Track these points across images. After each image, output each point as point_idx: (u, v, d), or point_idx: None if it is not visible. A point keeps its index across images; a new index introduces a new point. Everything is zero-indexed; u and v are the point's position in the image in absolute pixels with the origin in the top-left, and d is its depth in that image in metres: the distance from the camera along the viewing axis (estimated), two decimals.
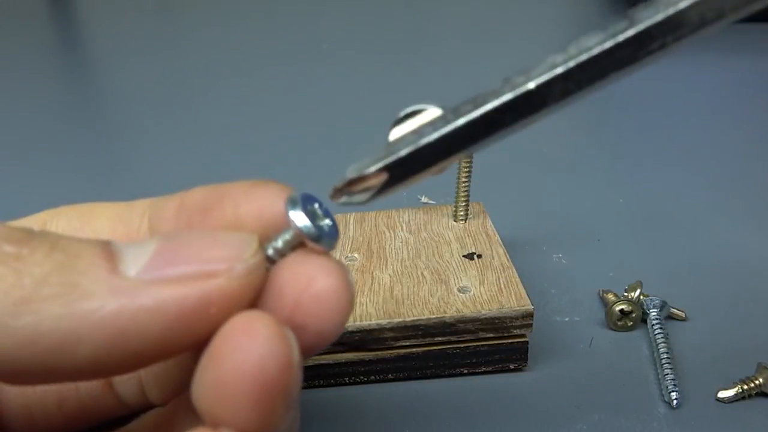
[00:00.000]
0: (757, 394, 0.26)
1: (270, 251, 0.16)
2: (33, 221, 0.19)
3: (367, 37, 0.82)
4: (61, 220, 0.19)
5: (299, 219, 0.15)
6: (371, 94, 0.62)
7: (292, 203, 0.16)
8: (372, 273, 0.29)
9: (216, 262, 0.14)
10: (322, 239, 0.16)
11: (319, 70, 0.69)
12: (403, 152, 0.15)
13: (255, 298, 0.15)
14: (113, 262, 0.14)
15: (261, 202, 0.17)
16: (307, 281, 0.15)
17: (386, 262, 0.30)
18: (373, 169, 0.15)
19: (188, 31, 0.88)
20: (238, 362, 0.14)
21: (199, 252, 0.15)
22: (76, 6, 1.02)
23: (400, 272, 0.29)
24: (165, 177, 0.47)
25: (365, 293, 0.28)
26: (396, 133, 0.16)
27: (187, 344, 0.14)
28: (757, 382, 0.26)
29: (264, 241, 0.16)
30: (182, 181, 0.46)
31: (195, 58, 0.76)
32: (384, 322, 0.26)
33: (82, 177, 0.48)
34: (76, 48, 0.86)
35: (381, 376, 0.28)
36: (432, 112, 0.15)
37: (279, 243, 0.16)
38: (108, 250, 0.14)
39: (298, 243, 0.16)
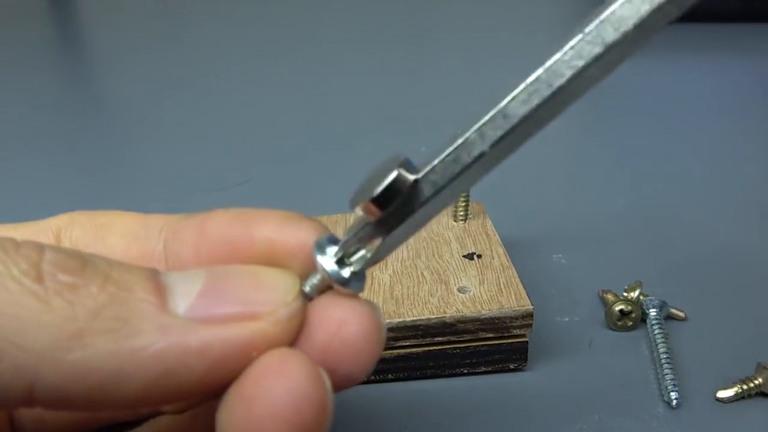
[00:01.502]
0: (757, 394, 0.26)
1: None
2: (46, 226, 0.19)
3: (366, 36, 0.82)
4: (75, 231, 0.19)
5: (327, 264, 0.15)
6: (370, 92, 0.62)
7: (319, 247, 0.16)
8: (372, 273, 0.29)
9: (260, 305, 0.15)
10: (350, 284, 0.15)
11: (319, 69, 0.69)
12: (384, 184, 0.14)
13: (294, 340, 0.15)
14: (162, 297, 0.14)
15: (296, 239, 0.16)
16: (337, 325, 0.15)
17: (386, 262, 0.30)
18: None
19: (189, 29, 0.88)
20: (271, 404, 0.14)
21: (245, 292, 0.15)
22: (76, 4, 1.02)
23: (400, 272, 0.29)
24: (165, 175, 0.47)
25: (365, 293, 0.28)
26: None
27: (223, 384, 0.14)
28: (756, 381, 0.26)
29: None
30: (182, 179, 0.46)
31: (195, 56, 0.76)
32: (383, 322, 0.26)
33: (83, 174, 0.48)
34: (76, 46, 0.86)
35: (381, 376, 0.28)
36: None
37: (306, 287, 0.16)
38: (158, 283, 0.14)
39: (327, 287, 0.16)
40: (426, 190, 0.15)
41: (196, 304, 0.14)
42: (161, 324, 0.14)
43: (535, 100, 0.13)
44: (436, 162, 0.14)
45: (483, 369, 0.28)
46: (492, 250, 0.31)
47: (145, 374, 0.13)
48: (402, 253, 0.31)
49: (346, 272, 0.15)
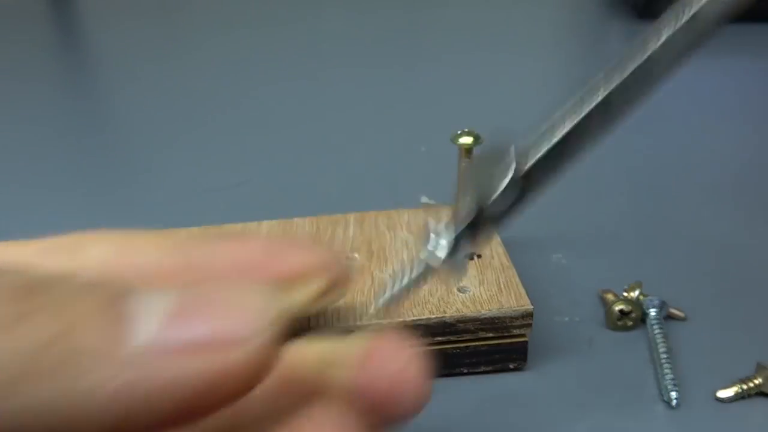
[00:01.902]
0: (757, 394, 0.26)
1: (390, 293, 0.16)
2: (60, 244, 0.18)
3: (366, 37, 0.82)
4: (97, 247, 0.18)
5: (444, 253, 0.16)
6: (371, 92, 0.62)
7: (428, 238, 0.16)
8: (372, 273, 0.29)
9: (233, 330, 0.13)
10: (460, 272, 0.17)
11: (319, 69, 0.69)
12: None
13: (275, 364, 0.14)
14: (121, 325, 0.13)
15: (318, 261, 0.17)
16: (395, 374, 0.15)
17: (386, 262, 0.30)
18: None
19: (193, 34, 0.88)
20: None
21: (216, 316, 0.13)
22: (78, 8, 1.02)
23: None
24: (165, 175, 0.47)
25: (365, 293, 0.28)
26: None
27: (206, 411, 0.13)
28: (756, 381, 0.26)
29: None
30: (182, 179, 0.46)
31: (200, 61, 0.76)
32: (384, 322, 0.26)
33: (82, 175, 0.48)
34: (78, 51, 0.86)
35: None
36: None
37: (405, 280, 0.16)
38: (117, 308, 0.13)
39: (428, 274, 0.16)
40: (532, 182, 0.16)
41: (160, 331, 0.13)
42: (118, 357, 0.12)
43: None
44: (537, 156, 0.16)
45: (483, 369, 0.28)
46: (492, 250, 0.31)
47: (103, 414, 0.12)
48: (402, 253, 0.31)
49: (451, 259, 0.16)
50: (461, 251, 0.16)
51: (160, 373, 0.12)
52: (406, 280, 0.16)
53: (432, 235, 0.16)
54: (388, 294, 0.16)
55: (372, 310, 0.19)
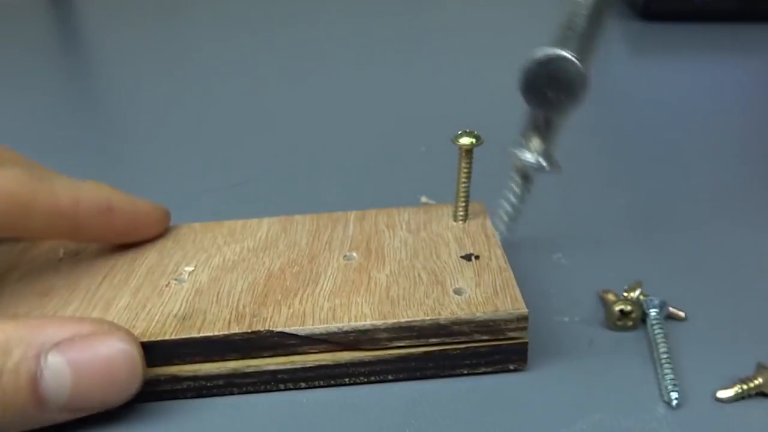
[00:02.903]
0: (757, 394, 0.26)
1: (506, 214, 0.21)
2: None
3: (365, 35, 0.82)
4: None
5: (525, 156, 0.21)
6: (371, 91, 0.62)
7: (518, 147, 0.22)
8: (369, 272, 0.29)
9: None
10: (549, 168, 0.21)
11: (319, 68, 0.69)
12: None
13: None
14: None
15: None
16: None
17: (384, 261, 0.30)
18: None
19: (193, 35, 0.88)
20: None
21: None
22: (78, 7, 1.02)
23: (397, 272, 0.29)
24: (164, 174, 0.47)
25: (361, 293, 0.28)
26: None
27: None
28: (756, 381, 0.26)
29: None
30: (182, 179, 0.46)
31: (201, 61, 0.76)
32: (378, 322, 0.26)
33: (82, 174, 0.48)
34: (78, 51, 0.86)
35: (381, 377, 0.28)
36: None
37: (513, 197, 0.20)
38: None
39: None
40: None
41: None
42: None
43: None
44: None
45: (483, 369, 0.28)
46: (490, 251, 0.31)
47: None
48: (400, 252, 0.31)
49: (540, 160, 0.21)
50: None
51: None
52: (515, 198, 0.18)
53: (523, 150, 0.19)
54: (505, 217, 0.18)
55: (498, 236, 0.25)
